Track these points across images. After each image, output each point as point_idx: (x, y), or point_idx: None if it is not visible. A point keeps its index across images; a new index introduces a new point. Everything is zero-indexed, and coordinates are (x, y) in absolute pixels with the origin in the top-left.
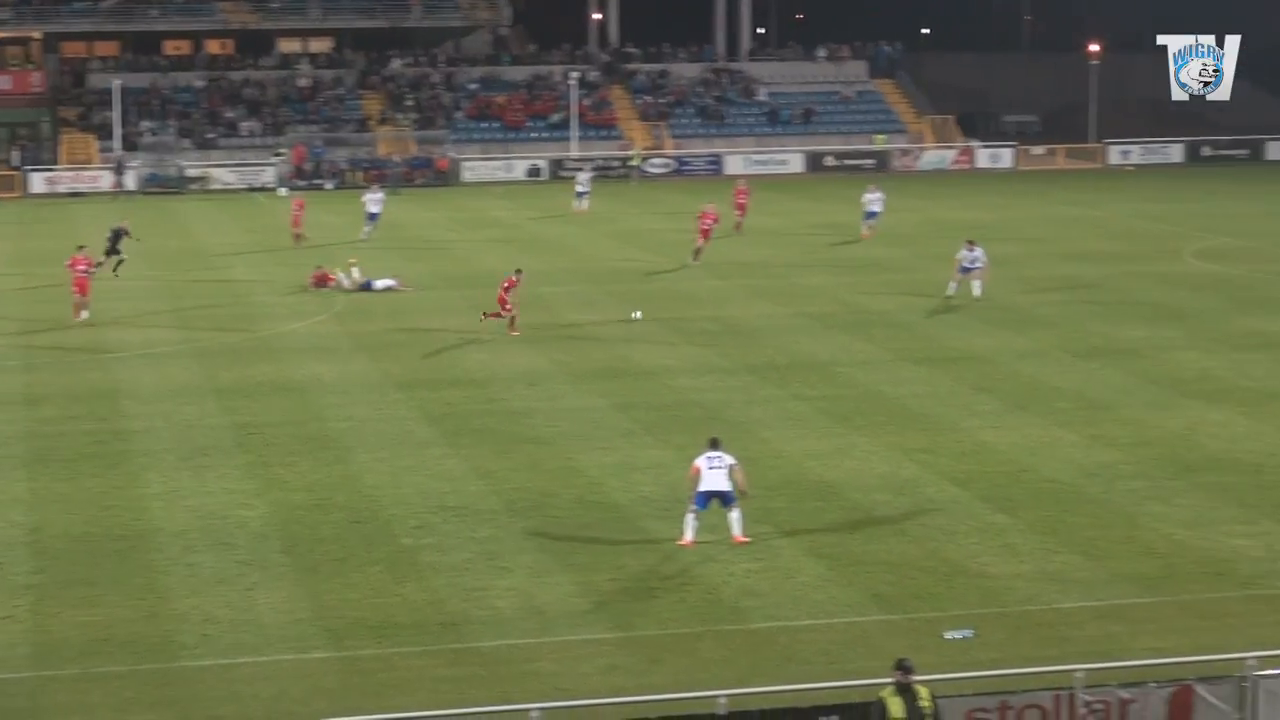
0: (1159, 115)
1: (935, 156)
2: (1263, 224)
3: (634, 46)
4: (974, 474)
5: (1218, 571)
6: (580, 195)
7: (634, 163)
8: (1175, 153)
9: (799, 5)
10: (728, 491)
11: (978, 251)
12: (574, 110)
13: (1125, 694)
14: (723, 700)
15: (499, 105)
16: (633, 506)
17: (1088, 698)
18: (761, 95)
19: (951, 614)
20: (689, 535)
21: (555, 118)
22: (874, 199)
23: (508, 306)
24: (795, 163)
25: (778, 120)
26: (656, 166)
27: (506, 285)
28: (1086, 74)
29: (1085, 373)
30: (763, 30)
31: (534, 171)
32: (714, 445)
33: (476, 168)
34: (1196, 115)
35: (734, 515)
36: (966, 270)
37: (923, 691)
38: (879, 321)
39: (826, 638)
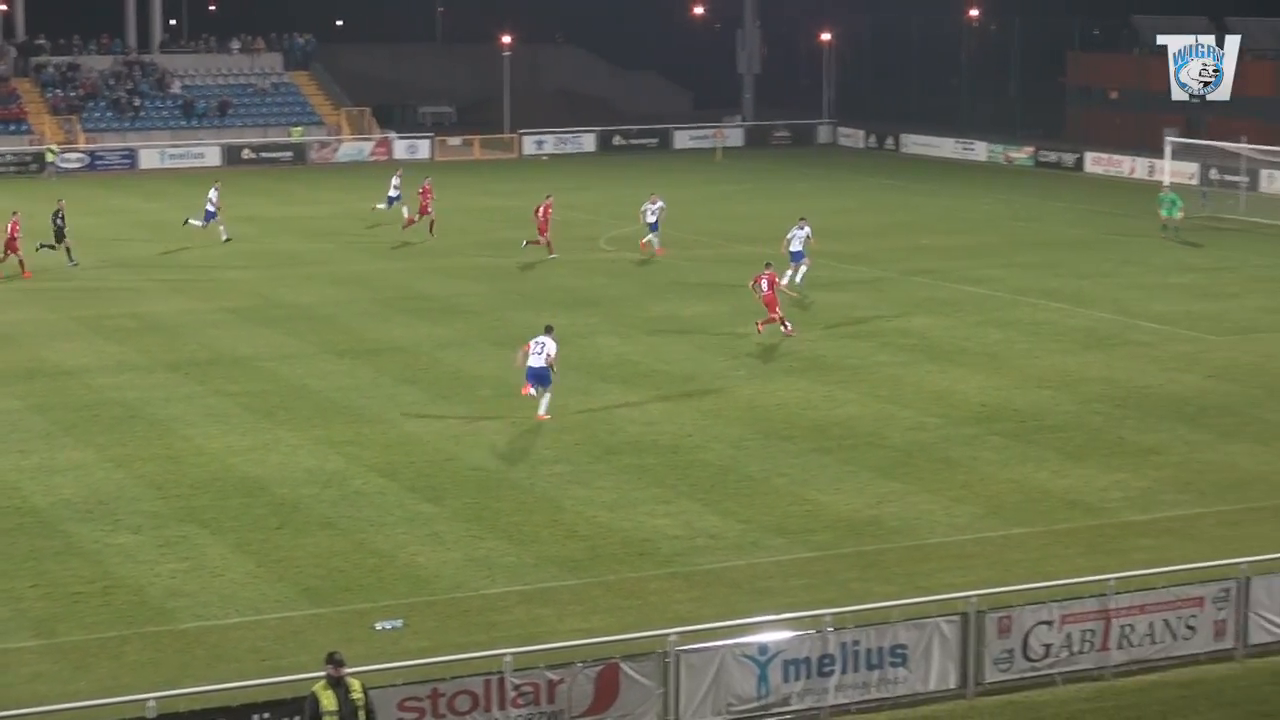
0: (571, 105)
1: (353, 148)
2: (670, 211)
3: (42, 38)
4: (400, 464)
5: (640, 551)
6: (391, 199)
7: (50, 158)
8: (588, 142)
9: None
10: (543, 370)
11: (806, 229)
12: None
13: (553, 675)
14: (152, 703)
15: None
16: (53, 510)
17: (517, 681)
18: (175, 88)
19: (382, 604)
20: (541, 409)
21: None
22: (654, 209)
23: (775, 313)
24: (212, 156)
25: (193, 113)
26: (70, 162)
27: (768, 282)
28: (500, 65)
29: (505, 360)
30: (175, 22)
31: None
32: (546, 331)
33: None
34: (606, 104)
35: (545, 395)
36: (798, 256)
37: (355, 684)
38: (301, 315)
39: (257, 634)
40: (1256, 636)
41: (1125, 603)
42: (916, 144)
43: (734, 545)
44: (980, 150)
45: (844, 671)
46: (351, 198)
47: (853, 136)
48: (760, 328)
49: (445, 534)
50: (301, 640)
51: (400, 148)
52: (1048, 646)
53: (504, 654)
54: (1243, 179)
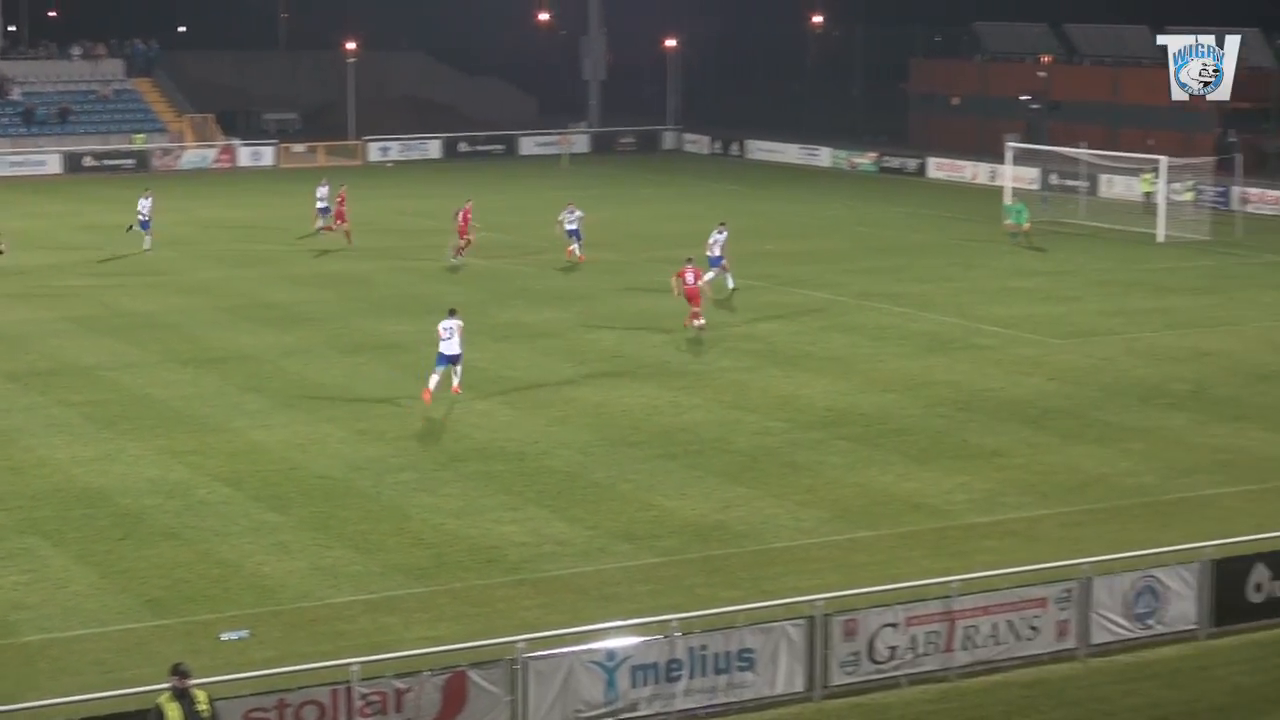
0: (417, 111)
1: (196, 155)
2: (517, 217)
3: None
4: (245, 473)
5: (487, 558)
6: (322, 212)
7: None
8: (434, 149)
9: (51, 2)
10: (455, 354)
11: (725, 234)
12: None
13: (400, 684)
14: None
15: None
16: None
17: (364, 690)
18: (15, 95)
19: (227, 615)
20: (429, 386)
21: None
22: (573, 217)
23: (698, 304)
24: (53, 163)
25: (34, 120)
26: None
27: (694, 275)
28: (345, 71)
29: (351, 368)
30: (14, 28)
31: None
32: (450, 314)
33: None
34: (452, 111)
35: (457, 369)
36: (716, 261)
37: (200, 695)
38: (144, 324)
39: (100, 647)
40: (1098, 636)
41: (969, 604)
42: (761, 150)
43: (581, 551)
44: (824, 156)
45: (692, 676)
46: (197, 205)
47: (698, 142)
48: (689, 323)
49: (291, 543)
50: (146, 652)
51: (245, 155)
52: (893, 649)
53: (351, 663)
54: (1082, 184)
